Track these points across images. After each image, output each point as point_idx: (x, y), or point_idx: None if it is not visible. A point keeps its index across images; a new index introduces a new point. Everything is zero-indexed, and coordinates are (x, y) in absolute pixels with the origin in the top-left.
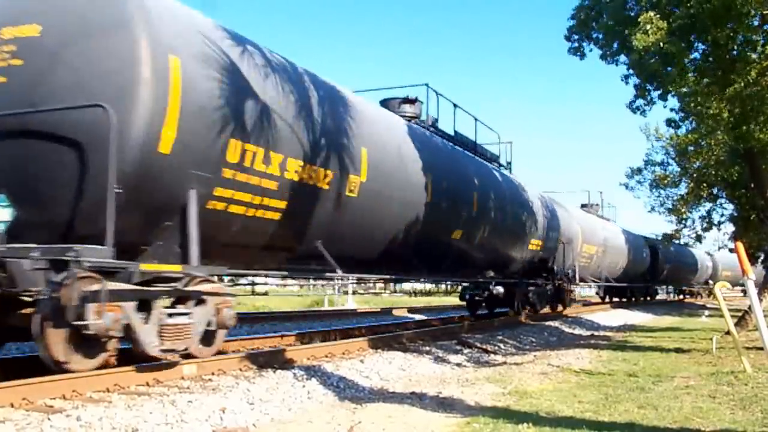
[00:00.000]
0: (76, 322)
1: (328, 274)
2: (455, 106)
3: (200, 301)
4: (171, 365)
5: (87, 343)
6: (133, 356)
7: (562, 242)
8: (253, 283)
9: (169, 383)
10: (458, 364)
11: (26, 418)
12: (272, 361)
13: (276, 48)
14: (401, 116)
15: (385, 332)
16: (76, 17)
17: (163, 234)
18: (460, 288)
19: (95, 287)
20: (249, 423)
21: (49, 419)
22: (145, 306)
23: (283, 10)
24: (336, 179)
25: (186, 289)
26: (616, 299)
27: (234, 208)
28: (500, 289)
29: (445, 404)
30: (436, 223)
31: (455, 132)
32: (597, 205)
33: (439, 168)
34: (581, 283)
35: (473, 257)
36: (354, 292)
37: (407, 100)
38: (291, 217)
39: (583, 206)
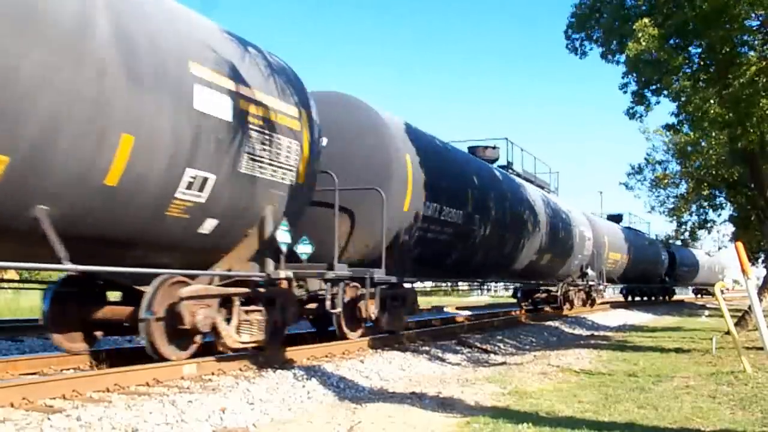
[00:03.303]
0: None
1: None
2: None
3: None
4: (171, 365)
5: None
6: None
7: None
8: None
9: (169, 383)
10: (458, 364)
11: (26, 418)
12: (272, 361)
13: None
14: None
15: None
16: None
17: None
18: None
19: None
20: (249, 423)
21: (49, 419)
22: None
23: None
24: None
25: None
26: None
27: None
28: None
29: (445, 404)
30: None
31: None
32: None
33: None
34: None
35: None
36: None
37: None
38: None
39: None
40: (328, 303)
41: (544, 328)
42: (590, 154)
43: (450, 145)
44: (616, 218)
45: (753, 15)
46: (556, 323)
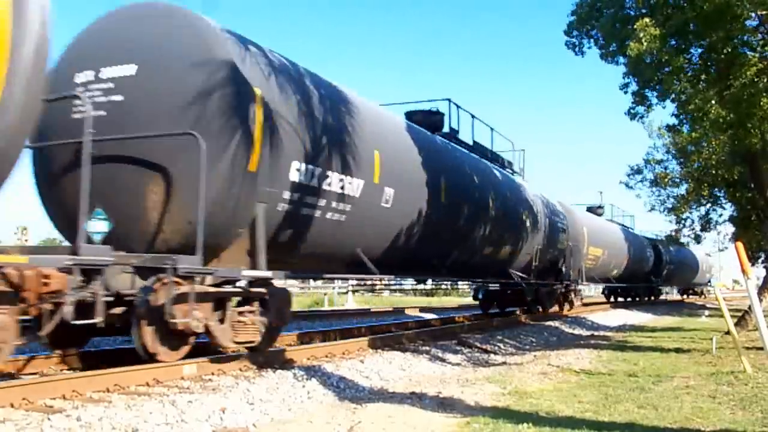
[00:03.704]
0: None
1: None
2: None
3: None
4: (171, 365)
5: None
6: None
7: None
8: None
9: (169, 383)
10: (458, 364)
11: (26, 418)
12: (272, 361)
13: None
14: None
15: (386, 332)
16: None
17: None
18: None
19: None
20: (249, 423)
21: (49, 419)
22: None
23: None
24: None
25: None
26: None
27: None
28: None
29: (445, 404)
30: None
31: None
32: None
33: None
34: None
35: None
36: (354, 292)
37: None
38: None
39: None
40: (67, 308)
41: (544, 328)
42: (589, 153)
43: (347, 91)
44: (596, 210)
45: (753, 14)
46: (556, 323)
